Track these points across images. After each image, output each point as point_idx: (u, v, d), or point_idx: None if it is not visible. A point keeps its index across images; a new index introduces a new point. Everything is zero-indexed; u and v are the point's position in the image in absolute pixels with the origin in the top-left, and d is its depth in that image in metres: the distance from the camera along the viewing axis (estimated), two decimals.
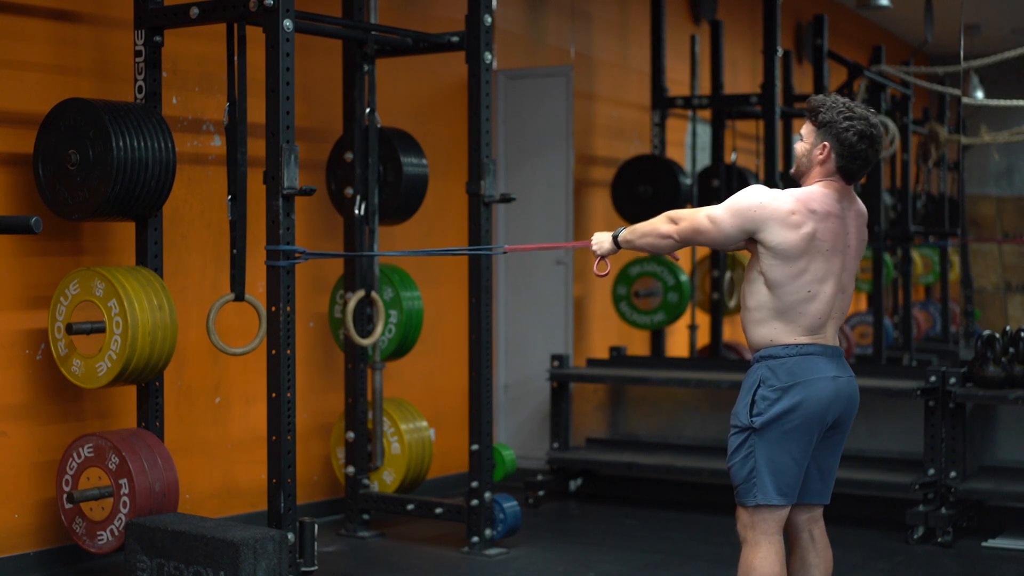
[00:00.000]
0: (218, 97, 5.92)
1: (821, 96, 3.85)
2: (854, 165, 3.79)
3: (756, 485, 3.77)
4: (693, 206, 8.67)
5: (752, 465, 3.78)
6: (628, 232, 3.98)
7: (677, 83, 9.18)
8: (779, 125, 8.28)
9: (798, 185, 3.90)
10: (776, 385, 3.76)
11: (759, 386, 3.79)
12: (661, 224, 3.90)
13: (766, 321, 3.80)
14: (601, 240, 4.06)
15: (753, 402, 3.79)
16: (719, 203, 3.86)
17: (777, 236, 3.71)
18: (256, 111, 5.37)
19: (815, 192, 3.79)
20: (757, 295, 3.80)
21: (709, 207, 3.86)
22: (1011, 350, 6.16)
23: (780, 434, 3.75)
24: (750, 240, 3.79)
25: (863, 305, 12.08)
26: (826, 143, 3.79)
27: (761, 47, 8.22)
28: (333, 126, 6.38)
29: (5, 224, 4.00)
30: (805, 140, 3.85)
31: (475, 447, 5.77)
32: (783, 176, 8.35)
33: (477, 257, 5.76)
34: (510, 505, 5.85)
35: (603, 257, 4.07)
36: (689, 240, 3.87)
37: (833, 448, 3.90)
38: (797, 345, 3.77)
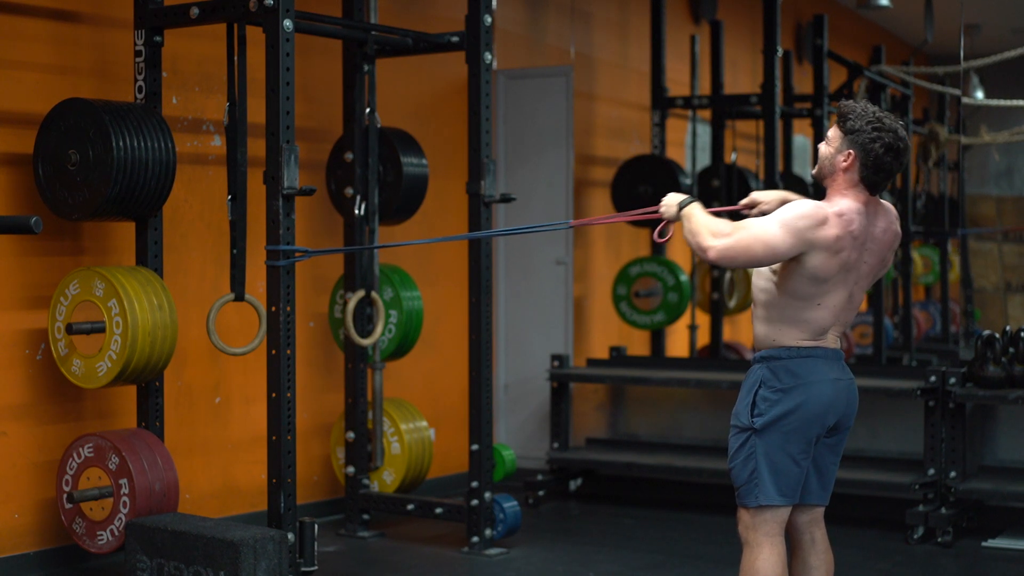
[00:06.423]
0: (218, 97, 5.92)
1: (852, 102, 3.77)
2: (878, 177, 3.73)
3: (757, 486, 3.77)
4: None
5: (753, 466, 3.77)
6: (689, 212, 3.79)
7: (677, 83, 9.17)
8: (779, 125, 8.27)
9: (818, 186, 3.86)
10: (777, 386, 3.76)
11: (760, 387, 3.79)
12: (705, 237, 3.69)
13: (774, 322, 3.79)
14: (670, 204, 3.87)
15: (754, 403, 3.78)
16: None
17: (818, 260, 3.67)
18: (256, 111, 5.37)
19: (852, 212, 3.70)
20: (771, 300, 3.78)
21: (762, 228, 3.66)
22: (1011, 350, 6.16)
23: (781, 435, 3.75)
24: None
25: (863, 305, 12.07)
26: (851, 151, 3.72)
27: (761, 47, 8.21)
28: (333, 126, 6.38)
29: (5, 224, 4.00)
30: (830, 144, 3.78)
31: (475, 447, 5.77)
32: (783, 176, 8.34)
33: (477, 257, 5.75)
34: (510, 505, 5.85)
35: (668, 223, 3.92)
36: (730, 263, 3.73)
37: (833, 450, 3.90)
38: (798, 347, 3.77)
